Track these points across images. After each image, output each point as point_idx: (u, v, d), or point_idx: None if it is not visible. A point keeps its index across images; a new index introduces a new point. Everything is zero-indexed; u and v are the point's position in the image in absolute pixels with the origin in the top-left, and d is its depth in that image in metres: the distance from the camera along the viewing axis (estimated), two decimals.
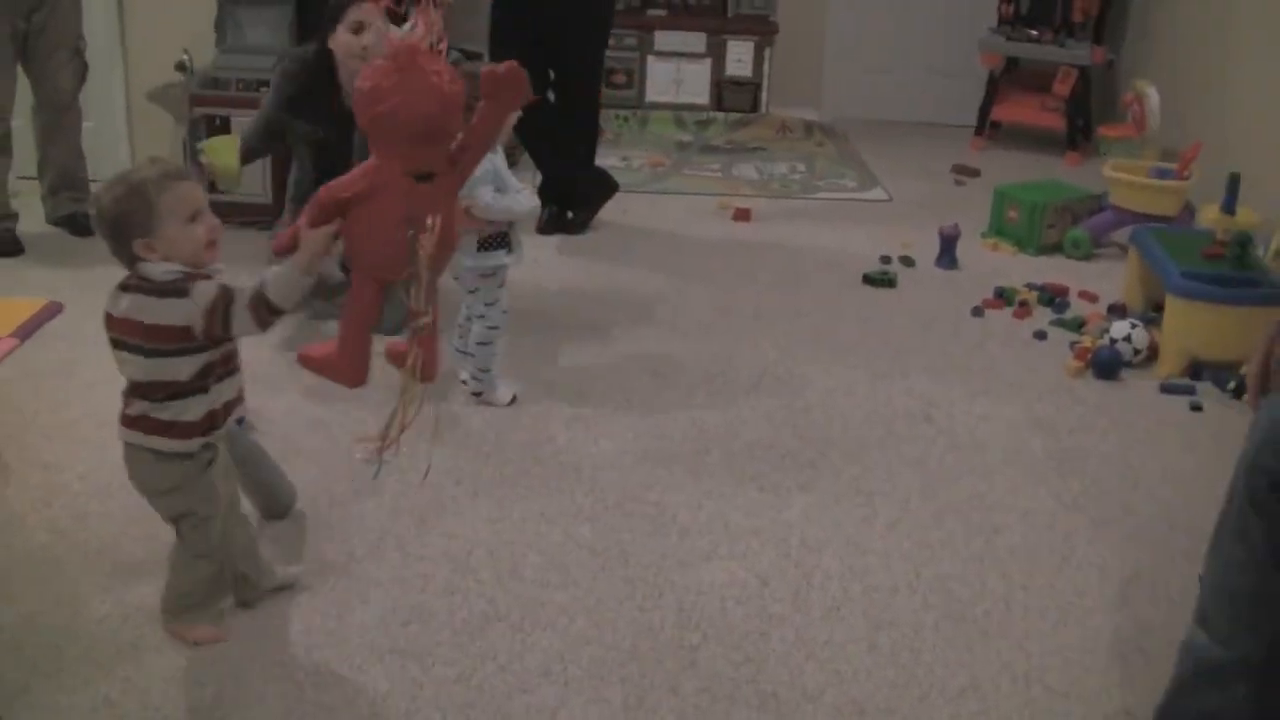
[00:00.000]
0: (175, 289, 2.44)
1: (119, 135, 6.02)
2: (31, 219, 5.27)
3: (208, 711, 2.51)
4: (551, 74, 5.47)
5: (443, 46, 2.51)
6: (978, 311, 4.80)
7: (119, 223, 2.46)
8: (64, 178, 5.39)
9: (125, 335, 2.50)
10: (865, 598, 2.96)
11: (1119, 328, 4.35)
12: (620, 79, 7.77)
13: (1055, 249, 5.54)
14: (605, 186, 5.76)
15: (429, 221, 2.48)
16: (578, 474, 3.48)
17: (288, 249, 2.56)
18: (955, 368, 4.28)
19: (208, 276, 2.48)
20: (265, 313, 2.47)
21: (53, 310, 4.40)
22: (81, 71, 5.29)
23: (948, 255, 5.32)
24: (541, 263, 5.22)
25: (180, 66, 5.53)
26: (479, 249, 3.74)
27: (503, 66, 2.56)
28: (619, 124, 7.66)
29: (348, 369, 2.71)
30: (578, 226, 5.63)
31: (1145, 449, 3.76)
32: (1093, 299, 4.94)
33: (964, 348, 4.46)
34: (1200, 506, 3.41)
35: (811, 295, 4.92)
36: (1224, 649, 2.20)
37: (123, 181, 2.48)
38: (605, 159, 6.14)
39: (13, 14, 4.98)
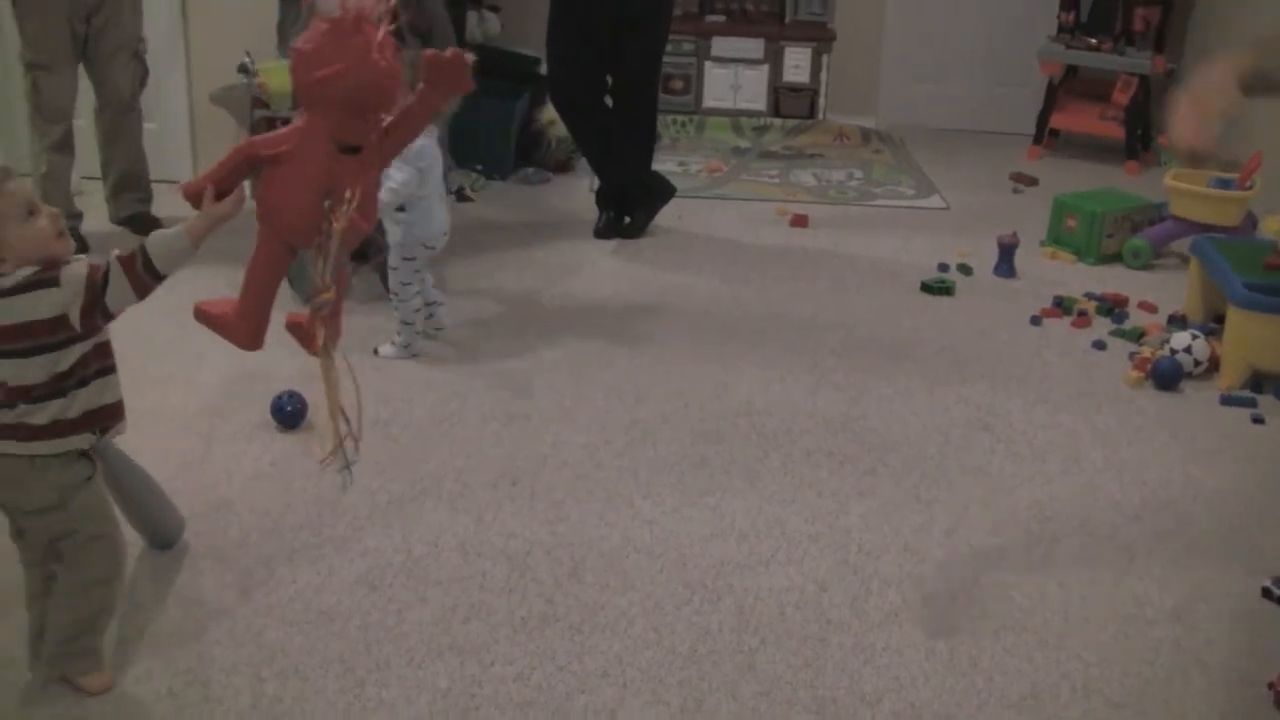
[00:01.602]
0: (40, 281, 2.34)
1: (182, 137, 6.08)
2: (96, 218, 5.34)
3: (269, 705, 2.54)
4: (609, 78, 5.49)
5: (389, 20, 2.49)
6: (1036, 321, 4.78)
7: None
8: (127, 179, 5.45)
9: None
10: (924, 605, 2.95)
11: (1179, 339, 4.32)
12: (678, 84, 7.77)
13: (1114, 259, 5.50)
14: (662, 191, 5.77)
15: (347, 194, 2.47)
16: (635, 478, 3.48)
17: (196, 196, 2.49)
18: (1013, 377, 4.26)
19: (67, 262, 2.37)
20: (147, 278, 2.38)
21: None
22: (142, 74, 5.34)
23: (1006, 264, 5.30)
24: (597, 267, 5.24)
25: (242, 69, 5.58)
26: None
27: (448, 52, 2.54)
28: (676, 129, 7.67)
29: (243, 330, 2.69)
30: (634, 231, 5.64)
31: (1205, 461, 3.73)
32: (1152, 309, 4.91)
33: (1022, 357, 4.44)
34: (1260, 520, 3.40)
35: (868, 302, 4.91)
36: None
37: None
38: (662, 164, 6.16)
39: (72, 17, 5.03)
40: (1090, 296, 4.98)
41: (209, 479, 3.40)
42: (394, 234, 4.16)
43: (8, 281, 2.35)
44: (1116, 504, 3.45)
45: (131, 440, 3.55)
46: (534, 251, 5.41)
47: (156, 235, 2.41)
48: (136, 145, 5.45)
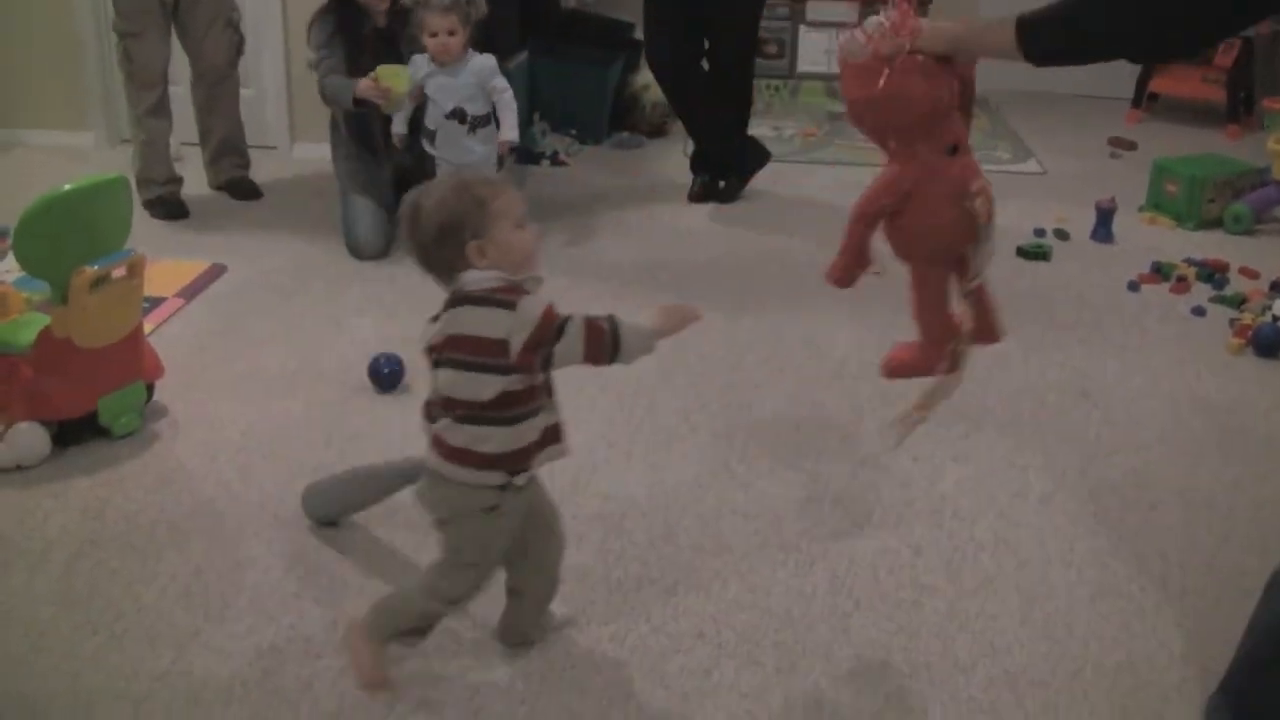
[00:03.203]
0: (498, 300, 2.26)
1: (279, 104, 6.14)
2: (195, 182, 5.41)
3: None
4: (705, 43, 5.48)
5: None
6: (1134, 286, 4.72)
7: (450, 225, 2.26)
8: (226, 146, 5.52)
9: (439, 351, 2.31)
10: (1018, 571, 2.94)
11: None
12: (772, 49, 7.74)
13: (1215, 224, 5.42)
14: (757, 155, 5.76)
15: (974, 186, 2.53)
16: (730, 441, 3.49)
17: (841, 277, 2.74)
18: (1111, 343, 4.22)
19: (527, 291, 2.29)
20: (607, 352, 2.29)
21: (217, 272, 4.52)
22: (237, 43, 5.37)
23: (1103, 229, 5.23)
24: (693, 231, 5.24)
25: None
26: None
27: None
28: (770, 94, 7.64)
29: (937, 361, 2.78)
30: (729, 195, 5.63)
31: None
32: (1254, 276, 4.82)
33: (1120, 323, 4.39)
34: None
35: None
36: None
37: (444, 186, 2.32)
38: (756, 128, 6.12)
39: None
40: (1190, 262, 4.91)
41: (309, 440, 3.45)
42: (478, 151, 4.55)
43: (476, 288, 2.28)
44: (1216, 473, 3.41)
45: (231, 402, 3.63)
46: (628, 216, 5.42)
47: (630, 325, 2.34)
48: (234, 112, 5.51)
